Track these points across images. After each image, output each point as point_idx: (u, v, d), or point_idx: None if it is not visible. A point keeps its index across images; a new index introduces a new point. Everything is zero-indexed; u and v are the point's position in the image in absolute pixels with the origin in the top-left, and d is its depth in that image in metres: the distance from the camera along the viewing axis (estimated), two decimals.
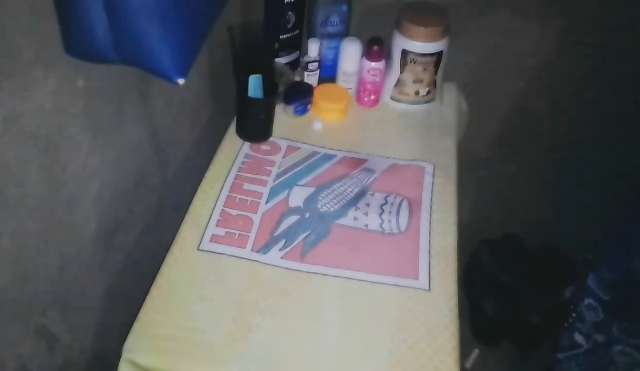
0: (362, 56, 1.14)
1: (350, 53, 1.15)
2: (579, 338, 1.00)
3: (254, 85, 1.04)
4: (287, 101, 1.01)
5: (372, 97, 1.17)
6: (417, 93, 1.16)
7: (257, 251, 0.88)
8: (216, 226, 0.91)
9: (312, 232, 0.92)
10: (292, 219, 0.93)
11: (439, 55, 1.11)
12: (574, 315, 1.01)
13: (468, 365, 1.44)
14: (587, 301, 0.97)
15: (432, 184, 1.01)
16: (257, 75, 1.04)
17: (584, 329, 0.99)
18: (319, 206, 0.96)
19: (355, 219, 0.94)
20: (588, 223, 1.43)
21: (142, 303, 0.80)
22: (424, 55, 1.10)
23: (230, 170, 1.00)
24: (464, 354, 0.80)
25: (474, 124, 1.30)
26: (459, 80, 1.24)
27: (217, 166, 1.00)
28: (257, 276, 0.85)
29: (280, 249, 0.88)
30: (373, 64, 1.12)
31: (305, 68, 1.16)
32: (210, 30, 0.77)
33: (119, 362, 0.75)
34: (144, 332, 0.77)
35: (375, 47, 1.11)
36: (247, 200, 0.95)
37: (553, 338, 1.29)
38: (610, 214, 1.40)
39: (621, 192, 1.38)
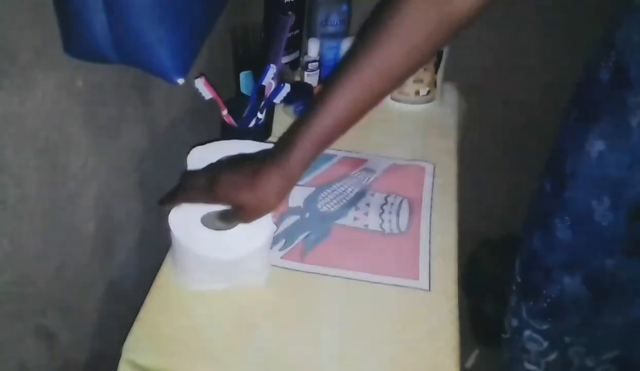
0: None
1: None
2: (530, 367, 0.99)
3: (246, 81, 1.05)
4: (287, 101, 1.01)
5: None
6: (417, 93, 1.16)
7: None
8: None
9: (312, 232, 0.92)
10: (292, 219, 0.93)
11: (439, 55, 1.11)
12: (519, 345, 0.99)
13: (468, 365, 1.44)
14: (527, 332, 0.96)
15: (432, 184, 1.01)
16: (248, 72, 1.05)
17: (532, 358, 0.98)
18: (319, 206, 0.96)
19: (355, 219, 0.94)
20: None
21: (142, 303, 0.80)
22: None
23: None
24: (464, 354, 0.80)
25: (474, 124, 1.30)
26: (459, 80, 1.24)
27: None
28: None
29: (280, 249, 0.88)
30: None
31: (305, 68, 1.16)
32: (210, 31, 0.77)
33: (119, 362, 0.75)
34: (144, 332, 0.77)
35: None
36: None
37: None
38: None
39: None
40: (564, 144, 0.85)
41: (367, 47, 0.64)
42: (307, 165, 0.68)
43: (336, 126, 0.67)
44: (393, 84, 0.67)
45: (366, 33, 0.66)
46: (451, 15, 0.62)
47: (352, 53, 0.66)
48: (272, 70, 0.95)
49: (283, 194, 0.68)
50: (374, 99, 0.67)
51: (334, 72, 0.67)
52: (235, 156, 0.76)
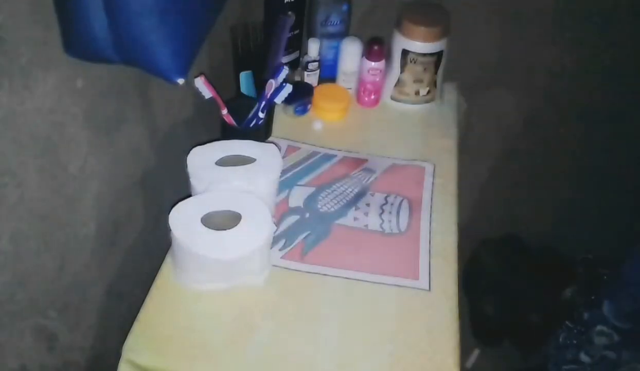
0: (362, 56, 1.14)
1: (350, 53, 1.15)
2: (584, 358, 0.98)
3: (246, 81, 1.05)
4: (287, 101, 1.01)
5: (372, 97, 1.17)
6: (417, 93, 1.16)
7: None
8: None
9: (312, 232, 0.92)
10: (292, 219, 0.93)
11: (439, 55, 1.11)
12: (582, 337, 0.98)
13: (468, 365, 1.45)
14: (599, 327, 0.95)
15: (432, 184, 1.01)
16: (248, 71, 1.05)
17: (592, 351, 0.97)
18: (319, 206, 0.96)
19: (355, 219, 0.94)
20: (588, 223, 1.43)
21: (142, 303, 0.80)
22: (424, 55, 1.10)
23: None
24: (464, 354, 0.80)
25: (474, 124, 1.30)
26: (459, 80, 1.24)
27: None
28: None
29: (280, 249, 0.88)
30: (373, 64, 1.12)
31: (305, 68, 1.16)
32: (210, 30, 0.77)
33: (119, 362, 0.75)
34: (144, 332, 0.77)
35: (375, 47, 1.11)
36: None
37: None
38: (611, 215, 1.40)
39: (621, 192, 1.38)
40: None
41: None
42: None
43: None
44: None
45: None
46: None
47: None
48: (285, 71, 0.96)
49: None
50: None
51: None
52: None
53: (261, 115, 0.98)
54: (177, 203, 0.80)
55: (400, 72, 1.14)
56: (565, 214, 1.46)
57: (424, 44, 1.09)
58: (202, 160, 0.85)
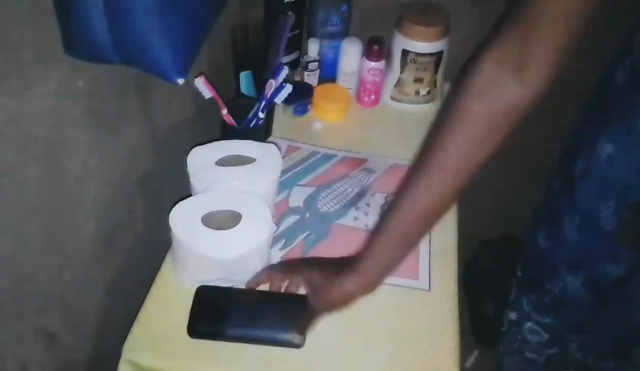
0: (362, 56, 1.14)
1: (350, 53, 1.15)
2: (531, 355, 1.00)
3: (246, 81, 1.05)
4: (287, 101, 1.01)
5: (372, 97, 1.17)
6: (417, 93, 1.16)
7: None
8: None
9: (312, 232, 0.92)
10: (292, 219, 0.93)
11: (439, 55, 1.11)
12: (519, 337, 0.99)
13: (468, 365, 1.44)
14: (528, 324, 0.97)
15: None
16: (248, 71, 1.05)
17: (533, 348, 0.98)
18: (319, 206, 0.96)
19: (355, 219, 0.94)
20: None
21: (142, 303, 0.80)
22: (424, 55, 1.10)
23: None
24: (464, 354, 0.80)
25: None
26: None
27: None
28: None
29: (280, 249, 0.88)
30: (373, 64, 1.12)
31: (305, 68, 1.16)
32: (210, 30, 0.77)
33: (119, 362, 0.75)
34: (144, 332, 0.77)
35: (375, 47, 1.11)
36: None
37: None
38: None
39: None
40: (576, 144, 0.84)
41: (429, 151, 0.67)
42: (385, 269, 0.68)
43: (409, 227, 0.66)
44: (459, 181, 0.65)
45: (430, 134, 0.69)
46: (501, 110, 0.63)
47: (417, 159, 0.67)
48: (285, 71, 0.96)
49: (354, 298, 0.70)
50: (442, 200, 0.65)
51: (404, 178, 0.67)
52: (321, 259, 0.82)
53: (261, 115, 0.98)
54: (177, 203, 0.80)
55: (400, 72, 1.14)
56: None
57: (424, 44, 1.09)
58: (202, 160, 0.85)
